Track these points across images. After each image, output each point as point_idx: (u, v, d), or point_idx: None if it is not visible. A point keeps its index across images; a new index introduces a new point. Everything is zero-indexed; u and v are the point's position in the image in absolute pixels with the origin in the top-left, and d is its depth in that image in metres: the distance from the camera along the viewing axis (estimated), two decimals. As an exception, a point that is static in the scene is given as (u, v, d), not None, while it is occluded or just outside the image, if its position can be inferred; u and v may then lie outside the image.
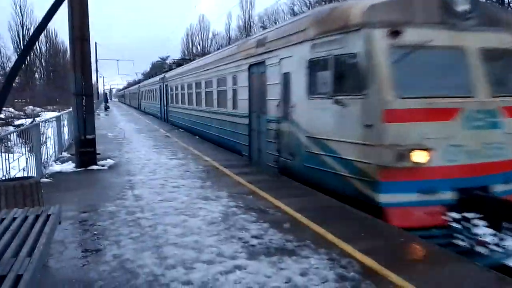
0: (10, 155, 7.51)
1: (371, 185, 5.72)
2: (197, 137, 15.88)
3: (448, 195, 5.56)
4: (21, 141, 8.93)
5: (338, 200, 6.23)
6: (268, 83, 8.65)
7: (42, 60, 62.34)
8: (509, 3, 24.49)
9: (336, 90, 6.38)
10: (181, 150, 12.17)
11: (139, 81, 55.34)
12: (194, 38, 62.32)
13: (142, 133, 17.85)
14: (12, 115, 32.31)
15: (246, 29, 50.25)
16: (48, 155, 9.76)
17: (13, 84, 9.63)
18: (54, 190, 7.06)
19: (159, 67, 59.52)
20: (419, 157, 5.41)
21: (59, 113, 15.28)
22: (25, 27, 55.62)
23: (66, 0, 8.48)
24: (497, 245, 5.05)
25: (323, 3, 29.78)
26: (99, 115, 34.24)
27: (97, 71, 56.62)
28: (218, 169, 8.99)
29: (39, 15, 53.04)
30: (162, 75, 27.38)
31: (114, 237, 4.76)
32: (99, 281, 3.66)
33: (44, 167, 8.80)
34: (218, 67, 12.85)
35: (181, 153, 11.49)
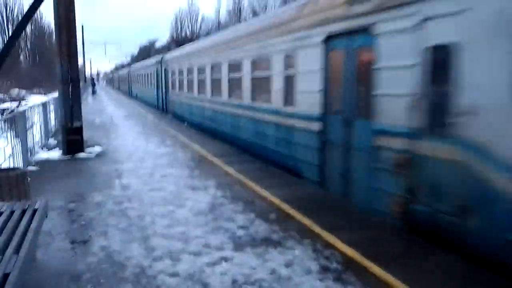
0: (-4, 143, 7.45)
1: None
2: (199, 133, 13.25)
3: None
4: (6, 126, 8.84)
5: None
6: (380, 65, 5.12)
7: (28, 42, 60.95)
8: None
9: None
10: (169, 138, 12.15)
11: (129, 64, 52.60)
12: (183, 22, 61.41)
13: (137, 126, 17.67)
14: (-3, 99, 31.71)
15: (236, 14, 49.69)
16: (35, 142, 9.68)
17: (-2, 70, 9.44)
18: (41, 179, 7.04)
19: (147, 51, 58.58)
20: None
21: (45, 97, 15.06)
22: (8, 8, 54.23)
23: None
24: None
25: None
26: (86, 99, 33.85)
27: (84, 54, 55.70)
28: (207, 158, 9.03)
29: (23, -4, 51.73)
30: (159, 57, 23.17)
31: (102, 228, 4.81)
32: (87, 273, 3.71)
33: (31, 155, 8.73)
34: (253, 43, 9.18)
35: (169, 140, 11.49)
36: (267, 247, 4.28)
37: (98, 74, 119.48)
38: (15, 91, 36.34)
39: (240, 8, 50.13)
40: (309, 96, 6.80)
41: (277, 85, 7.98)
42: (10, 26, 54.15)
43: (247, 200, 5.86)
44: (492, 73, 3.78)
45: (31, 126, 9.98)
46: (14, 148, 7.61)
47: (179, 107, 18.02)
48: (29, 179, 4.98)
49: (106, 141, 11.39)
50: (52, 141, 11.20)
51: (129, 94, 41.48)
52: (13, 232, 2.95)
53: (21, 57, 60.22)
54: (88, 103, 28.14)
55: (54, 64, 9.12)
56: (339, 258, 4.02)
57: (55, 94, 11.35)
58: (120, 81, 57.78)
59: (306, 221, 5.03)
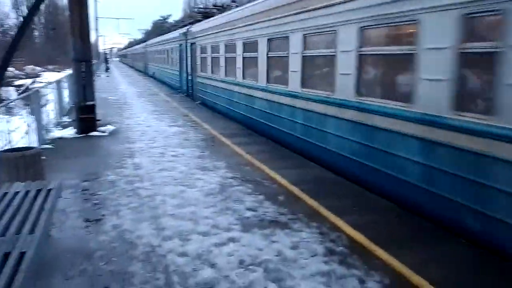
0: (12, 119, 7.63)
1: None
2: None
3: None
4: (22, 104, 9.01)
5: None
6: None
7: (41, 18, 61.09)
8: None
9: None
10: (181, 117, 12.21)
11: (144, 40, 47.99)
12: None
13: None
14: (12, 75, 32.08)
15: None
16: (49, 120, 9.86)
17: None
18: (56, 157, 7.20)
19: (160, 27, 58.02)
20: None
21: (60, 73, 15.23)
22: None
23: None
24: None
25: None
26: (99, 76, 34.05)
27: (97, 30, 55.62)
28: (218, 138, 9.10)
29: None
30: (183, 29, 18.70)
31: (114, 207, 4.94)
32: (99, 251, 3.85)
33: (46, 133, 8.91)
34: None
35: (181, 120, 11.57)
36: (274, 228, 4.35)
37: (111, 50, 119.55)
38: (29, 68, 36.69)
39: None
40: None
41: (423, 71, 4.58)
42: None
43: (257, 182, 5.92)
44: None
45: (46, 104, 10.16)
46: (30, 126, 7.79)
47: (212, 93, 13.84)
48: (43, 157, 5.12)
49: (119, 119, 11.53)
50: (66, 120, 11.38)
51: (145, 72, 38.37)
52: (28, 212, 3.07)
53: (35, 32, 60.50)
54: (102, 78, 28.32)
55: (68, 40, 9.16)
56: (345, 242, 4.08)
57: (70, 71, 11.44)
58: (134, 59, 53.79)
59: (314, 203, 5.08)
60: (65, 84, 13.37)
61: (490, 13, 3.87)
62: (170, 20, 57.13)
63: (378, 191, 5.42)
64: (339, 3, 6.06)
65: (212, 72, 13.50)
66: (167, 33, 27.19)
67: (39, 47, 55.18)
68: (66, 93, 13.40)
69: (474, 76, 4.34)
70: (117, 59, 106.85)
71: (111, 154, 7.58)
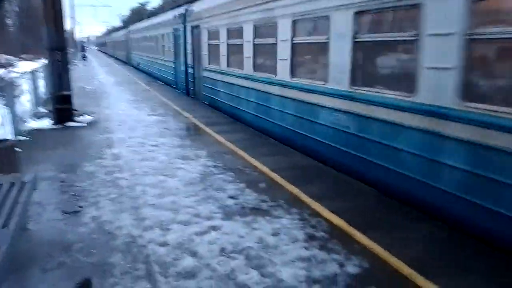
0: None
1: None
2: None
3: None
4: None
5: None
6: None
7: (14, 5, 58.95)
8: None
9: None
10: (160, 104, 12.07)
11: (124, 26, 44.15)
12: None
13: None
14: (-15, 65, 31.01)
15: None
16: (24, 111, 9.59)
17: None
18: (32, 149, 7.03)
19: (137, 13, 56.52)
20: None
21: (35, 63, 14.76)
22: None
23: None
24: None
25: None
26: (76, 65, 33.25)
27: (73, 18, 54.15)
28: (198, 127, 9.03)
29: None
30: (179, 10, 14.80)
31: (93, 198, 4.86)
32: (78, 243, 3.79)
33: (21, 124, 8.67)
34: None
35: (161, 108, 11.42)
36: (255, 216, 4.37)
37: (88, 39, 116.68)
38: (3, 57, 35.57)
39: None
40: None
41: None
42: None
43: (238, 170, 5.92)
44: None
45: (20, 95, 9.87)
46: (4, 117, 7.56)
47: (229, 96, 10.24)
48: (19, 150, 4.99)
49: (98, 109, 11.31)
50: (42, 110, 11.09)
51: (128, 63, 34.12)
52: (1, 206, 2.99)
53: (8, 21, 58.45)
54: (79, 70, 27.67)
55: (43, 28, 8.85)
56: (325, 227, 4.13)
57: (45, 60, 11.11)
58: (115, 47, 48.90)
59: (295, 190, 5.11)
60: (40, 74, 13.00)
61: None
62: (149, 7, 55.79)
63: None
64: None
65: (229, 66, 10.06)
66: (155, 15, 22.54)
67: (13, 36, 53.41)
68: (42, 83, 13.04)
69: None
70: (95, 47, 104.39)
71: (90, 144, 7.45)
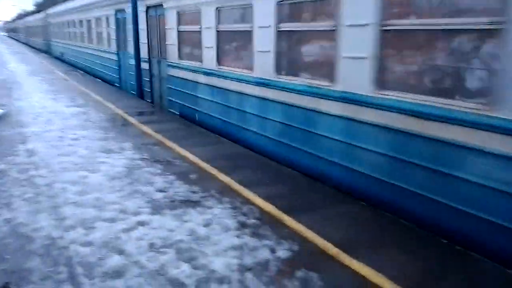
0: None
1: None
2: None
3: None
4: None
5: None
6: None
7: None
8: None
9: None
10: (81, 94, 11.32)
11: (39, 10, 38.86)
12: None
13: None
14: None
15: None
16: None
17: None
18: None
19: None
20: None
21: None
22: None
23: None
24: None
25: None
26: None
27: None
28: (123, 117, 8.62)
29: None
30: None
31: (5, 200, 4.44)
32: (-11, 250, 3.44)
33: None
34: None
35: (80, 99, 10.72)
36: (186, 208, 4.28)
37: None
38: None
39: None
40: None
41: None
42: None
43: (167, 161, 5.75)
44: None
45: None
46: None
47: (216, 105, 7.38)
48: None
49: (8, 101, 10.31)
50: None
51: (47, 52, 29.72)
52: None
53: None
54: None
55: None
56: (257, 214, 4.17)
57: None
58: (29, 33, 43.43)
59: (226, 179, 5.09)
60: None
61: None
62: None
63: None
64: None
65: (220, 62, 7.03)
66: None
67: None
68: None
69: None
70: (5, 33, 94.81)
71: (0, 140, 6.78)
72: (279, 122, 5.74)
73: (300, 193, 4.75)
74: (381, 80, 4.16)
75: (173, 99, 9.17)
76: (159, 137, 7.01)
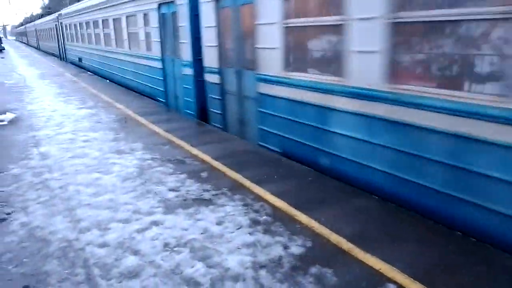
0: None
1: None
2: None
3: None
4: None
5: None
6: None
7: None
8: None
9: None
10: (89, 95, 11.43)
11: (48, 12, 39.24)
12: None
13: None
14: None
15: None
16: None
17: None
18: None
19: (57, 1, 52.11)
20: None
21: None
22: None
23: None
24: None
25: None
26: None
27: (-17, 5, 49.25)
28: (132, 118, 8.68)
29: None
30: None
31: (21, 203, 4.52)
32: (7, 253, 3.51)
33: None
34: None
35: (91, 101, 10.81)
36: (198, 206, 4.31)
37: (4, 28, 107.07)
38: None
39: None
40: None
41: None
42: None
43: (178, 160, 5.79)
44: None
45: None
46: None
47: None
48: None
49: (20, 105, 10.45)
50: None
51: (61, 57, 27.71)
52: None
53: None
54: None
55: None
56: (269, 210, 4.18)
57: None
58: (40, 37, 41.94)
59: (237, 176, 5.11)
60: None
61: None
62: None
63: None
64: None
65: (394, 78, 4.15)
66: None
67: None
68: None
69: None
70: (13, 37, 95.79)
71: (13, 144, 6.88)
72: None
73: (310, 189, 4.74)
74: None
75: (270, 130, 6.16)
76: (168, 136, 7.04)
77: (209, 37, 7.44)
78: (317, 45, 5.27)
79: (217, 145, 6.44)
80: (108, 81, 15.14)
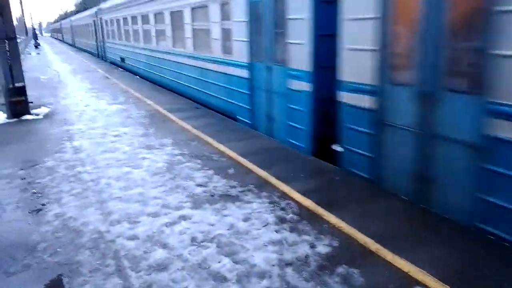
0: None
1: None
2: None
3: None
4: None
5: None
6: None
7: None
8: None
9: None
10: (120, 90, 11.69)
11: (84, 8, 37.52)
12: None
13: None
14: None
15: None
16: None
17: None
18: (-15, 146, 6.66)
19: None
20: None
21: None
22: None
23: None
24: None
25: None
26: (29, 53, 31.65)
27: (21, 3, 51.19)
28: (162, 113, 8.83)
29: None
30: None
31: (55, 195, 4.68)
32: (42, 242, 3.65)
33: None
34: None
35: (122, 97, 11.06)
36: (225, 202, 4.35)
37: (40, 25, 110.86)
38: None
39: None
40: None
41: None
42: None
43: (205, 156, 5.86)
44: None
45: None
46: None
47: None
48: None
49: (54, 100, 10.82)
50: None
51: (100, 56, 25.99)
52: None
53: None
54: (31, 59, 26.29)
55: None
56: (295, 209, 4.17)
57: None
58: (76, 34, 40.51)
59: (263, 173, 5.12)
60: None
61: None
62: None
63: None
64: None
65: None
66: None
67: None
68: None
69: None
70: (48, 34, 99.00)
71: (48, 138, 7.13)
72: None
73: (337, 188, 4.71)
74: None
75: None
76: (196, 132, 7.12)
77: (359, 35, 4.64)
78: None
79: (243, 142, 6.47)
80: (160, 87, 12.96)
